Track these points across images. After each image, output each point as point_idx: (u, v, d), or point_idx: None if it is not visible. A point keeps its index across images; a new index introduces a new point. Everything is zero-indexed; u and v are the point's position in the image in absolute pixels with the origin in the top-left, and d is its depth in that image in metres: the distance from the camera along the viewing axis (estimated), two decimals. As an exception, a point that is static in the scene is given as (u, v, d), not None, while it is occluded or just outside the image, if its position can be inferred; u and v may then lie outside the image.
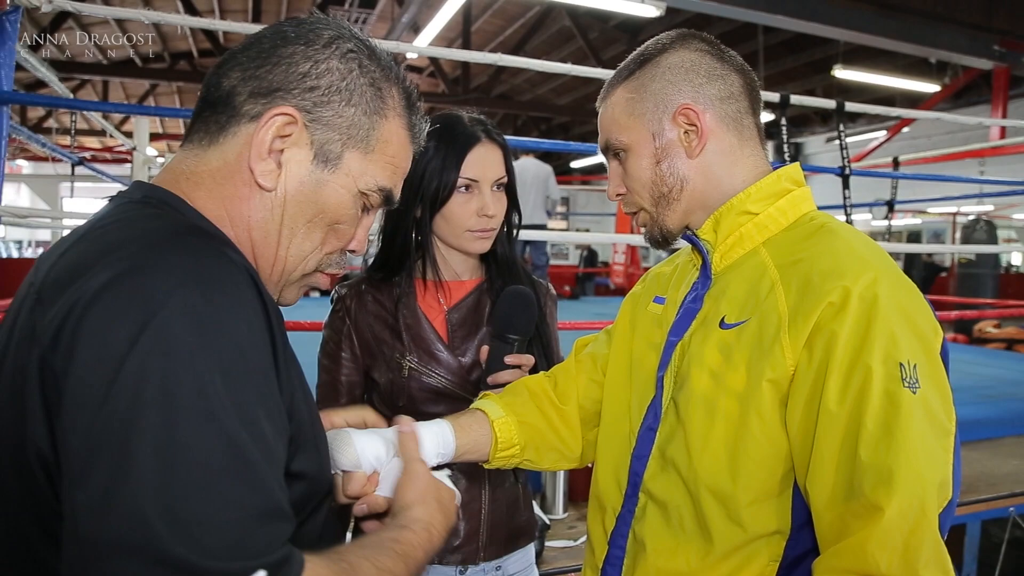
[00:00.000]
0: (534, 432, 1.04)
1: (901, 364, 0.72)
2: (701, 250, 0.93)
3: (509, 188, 1.23)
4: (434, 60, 12.01)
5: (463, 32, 10.06)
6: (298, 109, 0.70)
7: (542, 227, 6.53)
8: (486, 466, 1.03)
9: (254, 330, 0.60)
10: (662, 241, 0.95)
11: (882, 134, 9.85)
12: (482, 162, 1.17)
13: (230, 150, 0.71)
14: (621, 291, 9.18)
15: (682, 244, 0.99)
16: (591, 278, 11.27)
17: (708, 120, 0.89)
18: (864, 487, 0.69)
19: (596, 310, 6.85)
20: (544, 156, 18.41)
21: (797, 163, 0.94)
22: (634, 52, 0.95)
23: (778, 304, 0.80)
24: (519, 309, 1.10)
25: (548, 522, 1.91)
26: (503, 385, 1.07)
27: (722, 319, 0.85)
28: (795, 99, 3.37)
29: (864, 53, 8.78)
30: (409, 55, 11.36)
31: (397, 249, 1.21)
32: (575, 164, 16.62)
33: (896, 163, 6.06)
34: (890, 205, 5.82)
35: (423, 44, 7.34)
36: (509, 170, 1.22)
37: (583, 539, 1.91)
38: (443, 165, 1.15)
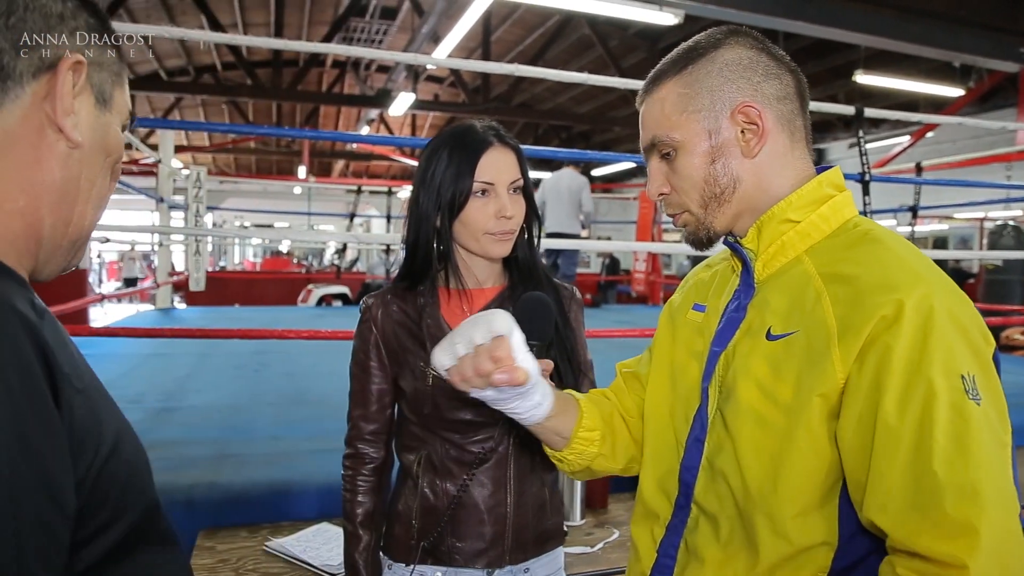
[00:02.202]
0: (612, 428, 1.05)
1: (963, 376, 0.70)
2: (743, 257, 0.90)
3: (527, 192, 1.24)
4: (454, 70, 12.07)
5: (483, 42, 10.12)
6: (82, 54, 0.66)
7: (575, 237, 6.58)
8: (562, 451, 1.01)
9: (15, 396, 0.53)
10: (706, 242, 0.93)
11: (906, 139, 9.75)
12: (496, 165, 1.18)
13: (12, 115, 0.64)
14: (642, 299, 9.16)
15: (717, 247, 0.97)
16: (613, 286, 11.25)
17: (767, 119, 0.86)
18: (946, 505, 0.67)
19: (618, 318, 6.83)
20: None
21: (837, 167, 0.91)
22: (682, 46, 0.91)
23: (826, 316, 0.78)
24: (536, 315, 1.10)
25: (566, 528, 1.91)
26: None
27: (768, 330, 0.83)
28: (815, 105, 3.36)
29: (886, 58, 8.71)
30: (429, 66, 11.45)
31: (420, 258, 1.23)
32: (596, 172, 16.62)
33: (919, 168, 6.00)
34: (913, 211, 5.76)
35: (443, 55, 7.39)
36: (524, 173, 1.23)
37: (600, 545, 1.92)
38: (458, 171, 1.17)
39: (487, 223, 1.18)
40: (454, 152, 1.18)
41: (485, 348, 0.83)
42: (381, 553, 1.28)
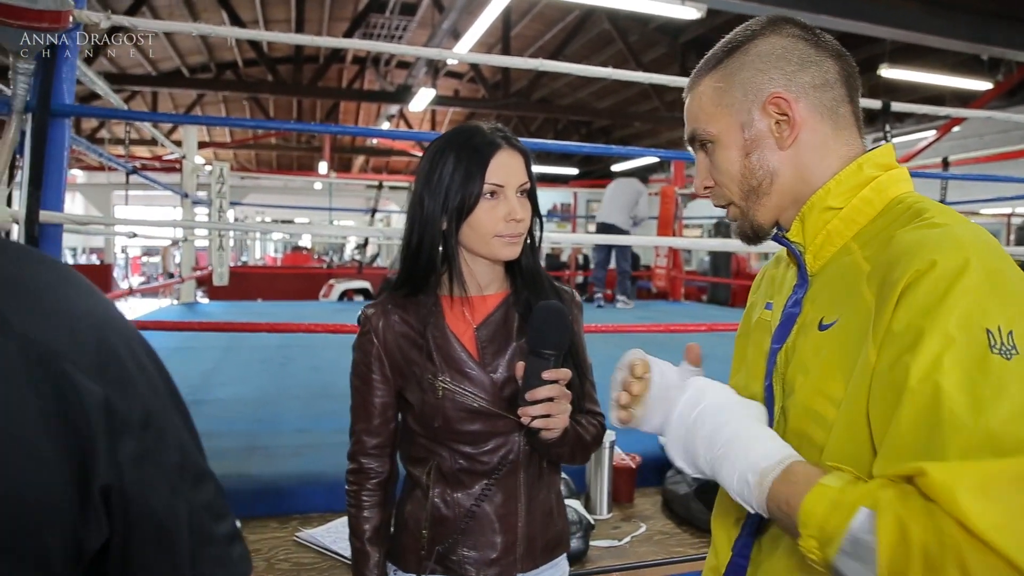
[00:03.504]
0: None
1: (988, 330, 0.66)
2: (794, 252, 0.89)
3: (531, 196, 1.22)
4: (474, 66, 12.08)
5: (503, 37, 10.11)
6: None
7: (624, 233, 7.05)
8: None
9: None
10: (753, 237, 0.92)
11: (931, 134, 9.62)
12: (506, 168, 1.17)
13: None
14: (663, 295, 9.11)
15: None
16: (633, 282, 11.21)
17: (801, 109, 0.85)
18: (949, 451, 0.63)
19: (639, 314, 6.81)
20: (585, 160, 18.39)
21: (888, 145, 0.88)
22: (723, 39, 0.91)
23: (865, 297, 0.77)
24: (554, 324, 1.09)
25: (592, 522, 1.92)
26: (541, 401, 1.08)
27: (820, 321, 0.82)
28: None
29: (912, 51, 8.60)
30: (450, 61, 11.45)
31: (423, 263, 1.20)
32: (616, 168, 16.56)
33: (946, 163, 5.93)
34: (940, 206, 5.69)
35: (463, 50, 7.39)
36: (531, 177, 1.22)
37: (628, 539, 1.92)
38: (467, 174, 1.15)
39: (496, 226, 1.16)
40: (462, 154, 1.16)
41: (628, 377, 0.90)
42: (388, 562, 1.26)
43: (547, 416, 1.09)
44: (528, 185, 1.20)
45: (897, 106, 3.50)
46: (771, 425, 0.88)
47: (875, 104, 3.43)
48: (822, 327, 0.81)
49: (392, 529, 1.28)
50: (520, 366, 1.11)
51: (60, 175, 2.69)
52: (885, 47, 8.73)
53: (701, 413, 0.82)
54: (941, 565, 0.59)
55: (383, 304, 1.23)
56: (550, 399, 1.08)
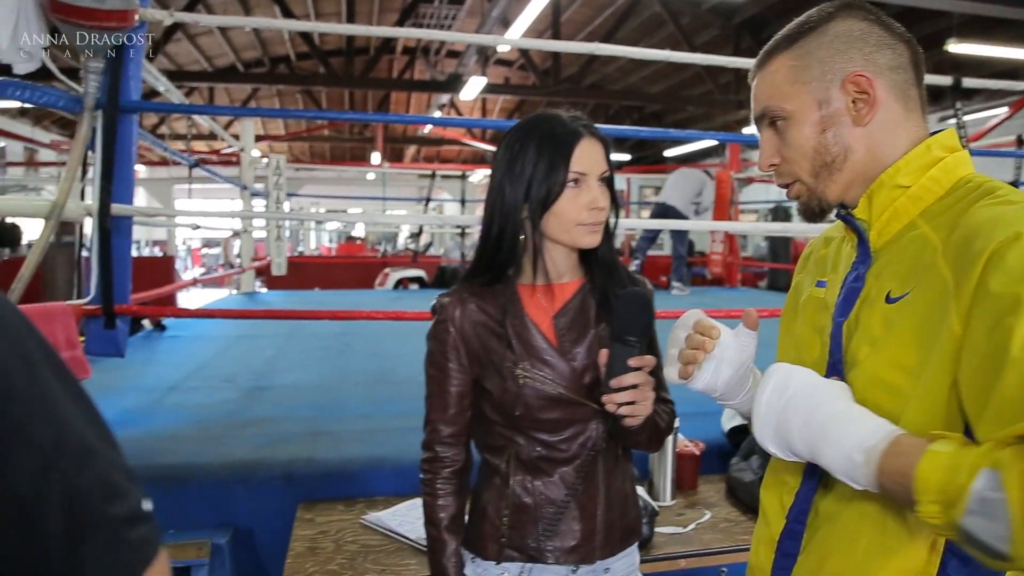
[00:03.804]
0: None
1: None
2: (857, 228, 0.91)
3: (610, 185, 1.22)
4: (524, 52, 12.03)
5: (552, 23, 10.03)
6: None
7: (685, 218, 7.14)
8: None
9: None
10: (819, 213, 0.94)
11: (1003, 111, 9.25)
12: (588, 156, 1.17)
13: None
14: (718, 281, 8.98)
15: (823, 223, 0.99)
16: (688, 268, 11.06)
17: (879, 88, 0.88)
18: None
19: (695, 300, 6.73)
20: (637, 145, 18.18)
21: (951, 129, 0.91)
22: (794, 21, 0.93)
23: (940, 269, 0.78)
24: (640, 311, 1.09)
25: (657, 509, 1.91)
26: (626, 388, 1.08)
27: (887, 294, 0.84)
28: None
29: (981, 24, 8.26)
30: (500, 48, 11.44)
31: (504, 253, 1.20)
32: (669, 153, 16.35)
33: (1020, 141, 5.69)
34: (1014, 186, 5.48)
35: (513, 37, 7.37)
36: (611, 165, 1.22)
37: (693, 526, 1.91)
38: (551, 163, 1.15)
39: (580, 214, 1.16)
40: (544, 143, 1.16)
41: (692, 336, 0.94)
42: (464, 550, 1.27)
43: (631, 403, 1.08)
44: (608, 173, 1.20)
45: (969, 82, 3.38)
46: None
47: (945, 80, 3.31)
48: (890, 300, 0.83)
49: (468, 517, 1.29)
50: (603, 353, 1.10)
51: (129, 169, 2.78)
52: (952, 20, 8.41)
53: (792, 398, 0.83)
54: None
55: (459, 293, 1.23)
56: (635, 386, 1.08)
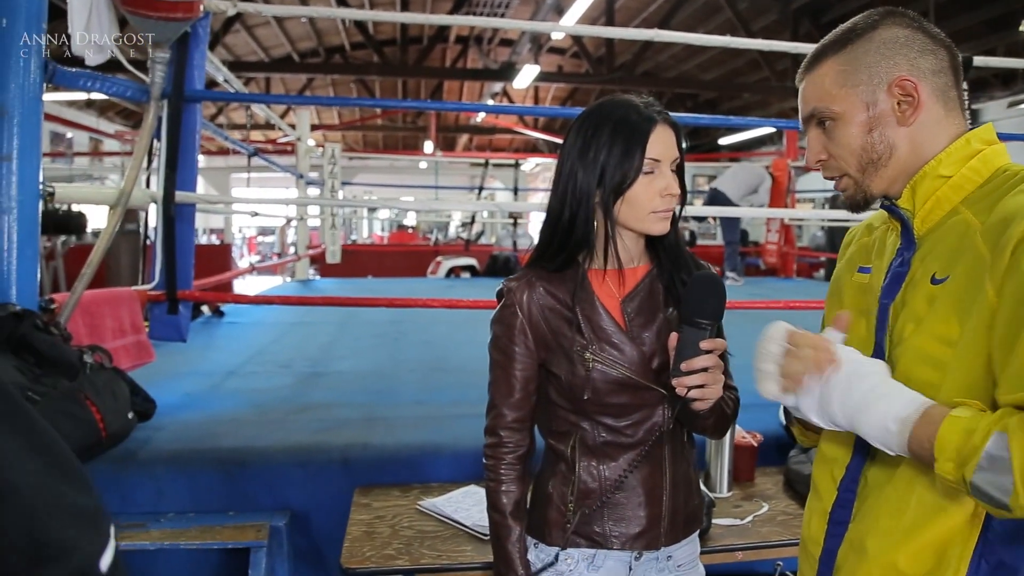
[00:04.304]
0: None
1: None
2: (901, 217, 0.97)
3: (680, 172, 1.21)
4: (578, 40, 11.94)
5: (606, 11, 9.95)
6: None
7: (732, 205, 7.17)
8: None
9: None
10: (863, 205, 1.01)
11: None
12: (662, 143, 1.16)
13: None
14: (772, 271, 8.81)
15: (863, 213, 1.06)
16: (742, 258, 10.88)
17: (923, 91, 0.94)
18: None
19: (750, 290, 6.62)
20: (691, 133, 17.96)
21: (989, 124, 0.99)
22: (840, 27, 1.00)
23: (980, 251, 0.85)
24: (712, 294, 1.09)
25: (714, 500, 1.89)
26: (697, 372, 1.07)
27: (932, 276, 0.91)
28: (979, 60, 3.11)
29: (1054, 6, 7.91)
30: (553, 35, 11.37)
31: (577, 238, 1.20)
32: (724, 141, 16.08)
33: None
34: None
35: (568, 24, 7.32)
36: (682, 152, 1.21)
37: (750, 518, 1.89)
38: (627, 149, 1.15)
39: (653, 201, 1.16)
40: (619, 129, 1.15)
41: (797, 348, 0.94)
42: (528, 535, 1.27)
43: (701, 387, 1.08)
44: (680, 161, 1.20)
45: (1046, 64, 3.22)
46: None
47: (1018, 64, 3.18)
48: (935, 281, 0.90)
49: (531, 504, 1.29)
50: (673, 337, 1.10)
51: (193, 157, 2.85)
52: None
53: (835, 371, 0.90)
54: None
55: (527, 277, 1.23)
56: (706, 369, 1.07)
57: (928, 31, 0.97)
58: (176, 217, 2.74)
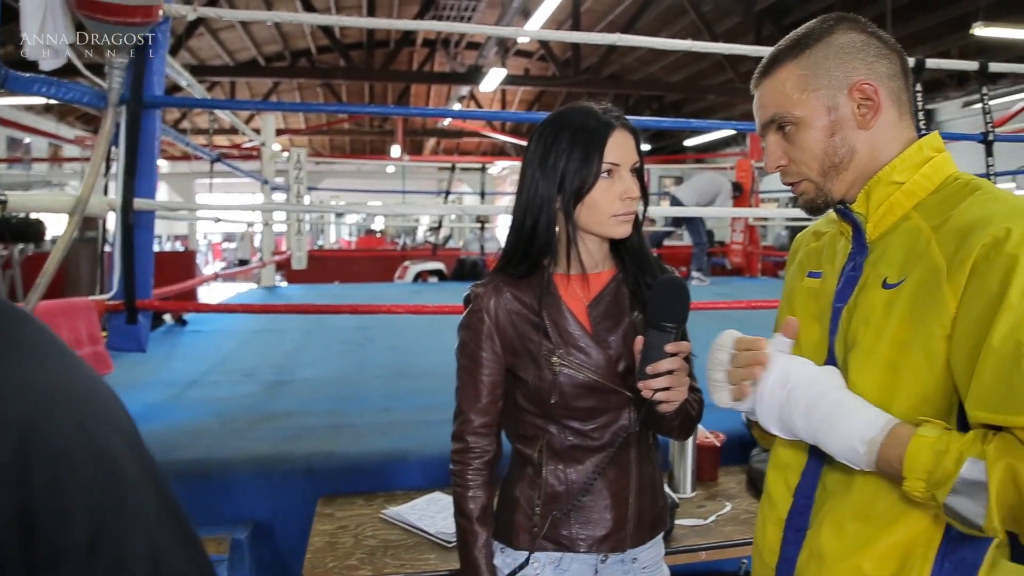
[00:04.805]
0: None
1: None
2: (854, 221, 0.98)
3: (640, 176, 1.23)
4: (544, 43, 11.97)
5: (572, 14, 9.98)
6: None
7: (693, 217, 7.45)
8: None
9: None
10: (823, 208, 1.02)
11: (1028, 96, 9.07)
12: (620, 147, 1.18)
13: None
14: (737, 271, 8.91)
15: (813, 218, 1.07)
16: (708, 258, 10.98)
17: (881, 94, 0.96)
18: None
19: (717, 290, 6.69)
20: (656, 135, 18.07)
21: (936, 132, 1.01)
22: (794, 33, 1.01)
23: (935, 258, 0.86)
24: (676, 298, 1.10)
25: (677, 501, 1.90)
26: (662, 374, 1.08)
27: (884, 280, 0.92)
28: (932, 63, 3.16)
29: (1008, 6, 8.10)
30: (521, 39, 11.39)
31: (539, 243, 1.21)
32: (689, 142, 16.23)
33: (1047, 126, 5.59)
34: (1039, 173, 5.38)
35: (534, 28, 7.34)
36: (641, 155, 1.22)
37: (713, 518, 1.90)
38: (585, 154, 1.16)
39: (612, 205, 1.17)
40: (578, 135, 1.17)
41: (740, 354, 0.96)
42: (495, 540, 1.27)
43: (667, 389, 1.09)
44: (639, 164, 1.21)
45: (996, 66, 3.30)
46: None
47: (970, 66, 3.25)
48: (887, 286, 0.91)
49: (497, 508, 1.29)
50: (639, 340, 1.11)
51: (152, 164, 2.80)
52: (979, 3, 8.25)
53: (794, 388, 0.91)
54: None
55: (494, 282, 1.24)
56: (671, 372, 1.08)
57: (880, 36, 0.98)
58: (135, 224, 2.68)
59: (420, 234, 17.23)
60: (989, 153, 3.32)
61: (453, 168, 10.63)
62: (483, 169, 10.09)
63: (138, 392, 2.92)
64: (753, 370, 0.95)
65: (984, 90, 3.33)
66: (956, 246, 0.84)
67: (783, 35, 1.02)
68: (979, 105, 3.38)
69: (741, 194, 7.79)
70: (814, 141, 0.97)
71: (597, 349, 1.21)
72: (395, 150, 14.19)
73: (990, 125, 3.31)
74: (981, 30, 7.65)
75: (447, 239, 12.76)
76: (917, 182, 0.94)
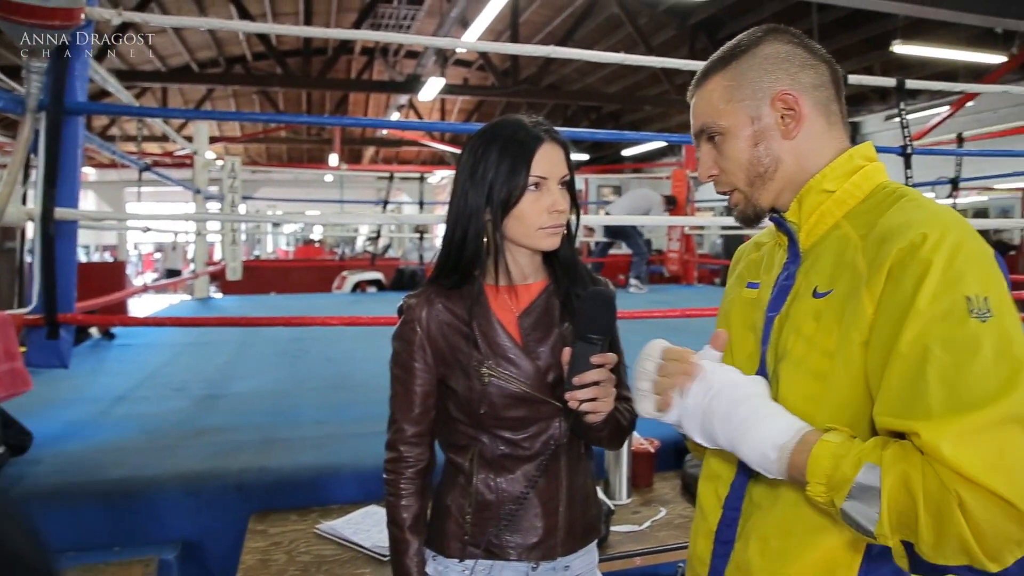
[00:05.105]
0: None
1: (968, 297, 0.78)
2: (788, 231, 0.99)
3: (571, 189, 1.24)
4: (483, 54, 12.02)
5: (511, 24, 10.05)
6: None
7: (620, 230, 7.81)
8: None
9: None
10: (754, 218, 1.03)
11: (944, 109, 9.48)
12: (549, 160, 1.19)
13: None
14: (675, 279, 9.08)
15: (762, 226, 1.06)
16: (647, 266, 11.14)
17: (804, 105, 0.96)
18: (933, 406, 0.74)
19: (653, 298, 6.79)
20: (595, 145, 18.30)
21: (869, 142, 1.01)
22: (726, 44, 1.02)
23: (858, 265, 0.87)
24: (604, 310, 1.11)
25: (613, 508, 1.92)
26: (588, 385, 1.09)
27: (814, 289, 0.92)
28: (854, 79, 3.28)
29: (924, 26, 8.48)
30: (459, 49, 11.41)
31: (468, 255, 1.22)
32: (627, 152, 16.47)
33: (960, 139, 5.86)
34: (954, 183, 5.64)
35: (473, 38, 7.36)
36: (571, 169, 1.24)
37: (648, 523, 1.93)
38: (512, 167, 1.17)
39: (540, 217, 1.18)
40: (506, 148, 1.18)
41: (667, 363, 0.96)
42: (426, 548, 1.27)
43: (594, 400, 1.10)
44: (568, 177, 1.22)
45: (912, 83, 3.45)
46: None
47: (889, 82, 3.39)
48: (817, 295, 0.91)
49: (430, 516, 1.29)
50: (567, 352, 1.12)
51: (74, 172, 2.70)
52: (897, 22, 8.62)
53: (716, 395, 0.91)
54: (945, 502, 0.72)
55: (426, 294, 1.24)
56: (597, 383, 1.09)
57: (809, 47, 0.99)
58: (56, 235, 2.59)
59: (359, 244, 17.04)
60: (908, 165, 3.46)
61: (392, 177, 10.55)
62: (422, 179, 10.05)
63: (60, 410, 2.81)
64: (677, 380, 0.94)
65: (902, 105, 3.47)
66: (875, 251, 0.85)
67: (716, 48, 1.04)
68: (899, 118, 3.52)
69: (675, 206, 7.95)
70: (739, 151, 0.98)
71: (526, 360, 1.22)
72: (333, 159, 14.02)
73: (908, 139, 3.45)
74: (900, 47, 8.00)
75: (386, 249, 12.67)
76: (847, 191, 0.95)
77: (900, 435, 0.78)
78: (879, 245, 0.85)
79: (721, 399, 0.90)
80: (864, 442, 0.81)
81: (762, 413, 0.88)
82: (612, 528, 1.87)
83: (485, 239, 1.22)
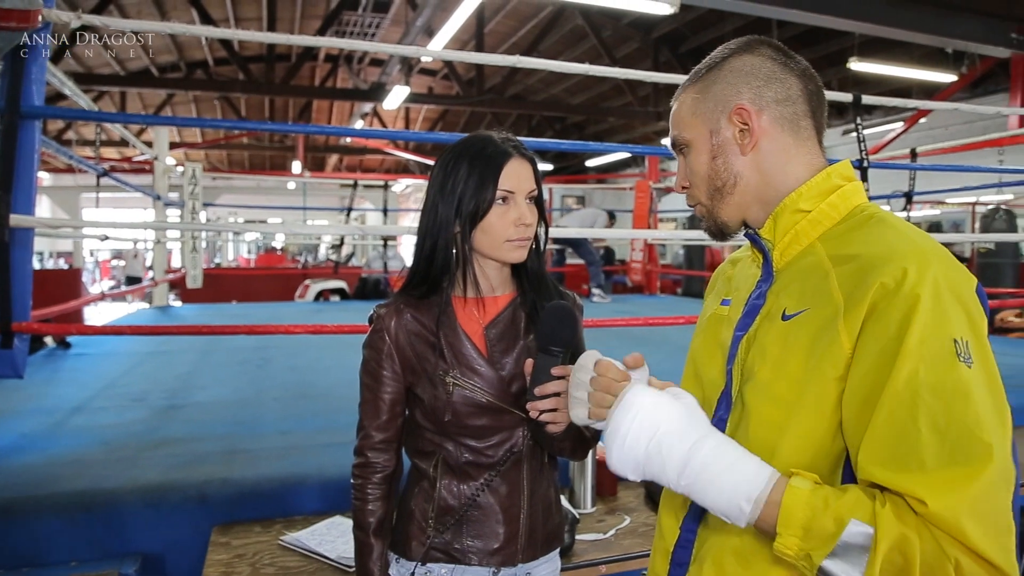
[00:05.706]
0: None
1: (955, 340, 0.76)
2: (762, 248, 0.97)
3: (539, 203, 1.28)
4: (448, 63, 12.04)
5: (476, 34, 10.11)
6: None
7: (568, 245, 8.30)
8: None
9: None
10: (718, 233, 1.02)
11: (899, 125, 9.75)
12: (516, 175, 1.22)
13: None
14: (638, 288, 9.16)
15: (741, 241, 1.05)
16: (608, 276, 11.26)
17: (763, 120, 0.95)
18: (927, 459, 0.73)
19: (616, 308, 6.85)
20: (559, 155, 18.41)
21: (847, 160, 0.99)
22: (708, 56, 1.02)
23: (833, 294, 0.84)
24: (564, 323, 1.13)
25: (577, 516, 1.93)
26: (549, 396, 1.11)
27: (783, 311, 0.90)
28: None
29: (879, 45, 8.72)
30: (424, 58, 11.41)
31: (437, 266, 1.25)
32: (590, 163, 16.60)
33: (914, 154, 6.02)
34: (908, 197, 5.79)
35: (438, 47, 7.37)
36: (539, 184, 1.27)
37: (612, 532, 1.94)
38: (481, 181, 1.20)
39: (507, 230, 1.22)
40: (475, 162, 1.21)
41: (598, 377, 0.95)
42: (390, 551, 1.30)
43: (554, 410, 1.12)
44: (536, 192, 1.26)
45: (867, 99, 3.55)
46: (728, 407, 0.95)
47: (846, 97, 3.48)
48: (785, 317, 0.89)
49: (395, 520, 1.32)
50: (529, 363, 1.15)
51: (31, 178, 2.65)
52: (854, 40, 8.85)
53: (665, 436, 0.82)
54: (940, 567, 0.71)
55: (396, 304, 1.28)
56: (557, 394, 1.11)
57: (783, 60, 0.96)
58: (11, 242, 2.53)
59: (322, 252, 16.89)
60: (864, 179, 3.55)
61: (355, 185, 10.50)
62: (386, 186, 10.01)
63: (14, 421, 2.73)
64: (607, 398, 0.94)
65: (859, 120, 3.56)
66: (854, 284, 0.82)
67: (680, 61, 1.07)
68: (855, 133, 3.61)
69: (614, 221, 8.39)
70: (700, 164, 0.98)
71: (490, 370, 1.25)
72: (296, 166, 13.90)
73: (865, 153, 3.54)
74: (856, 65, 8.22)
75: (349, 257, 12.58)
76: (823, 211, 0.92)
77: (883, 488, 0.76)
78: (858, 276, 0.82)
79: (672, 442, 0.82)
80: (835, 490, 0.77)
81: (724, 460, 0.81)
82: (577, 536, 1.88)
83: (455, 251, 1.25)
